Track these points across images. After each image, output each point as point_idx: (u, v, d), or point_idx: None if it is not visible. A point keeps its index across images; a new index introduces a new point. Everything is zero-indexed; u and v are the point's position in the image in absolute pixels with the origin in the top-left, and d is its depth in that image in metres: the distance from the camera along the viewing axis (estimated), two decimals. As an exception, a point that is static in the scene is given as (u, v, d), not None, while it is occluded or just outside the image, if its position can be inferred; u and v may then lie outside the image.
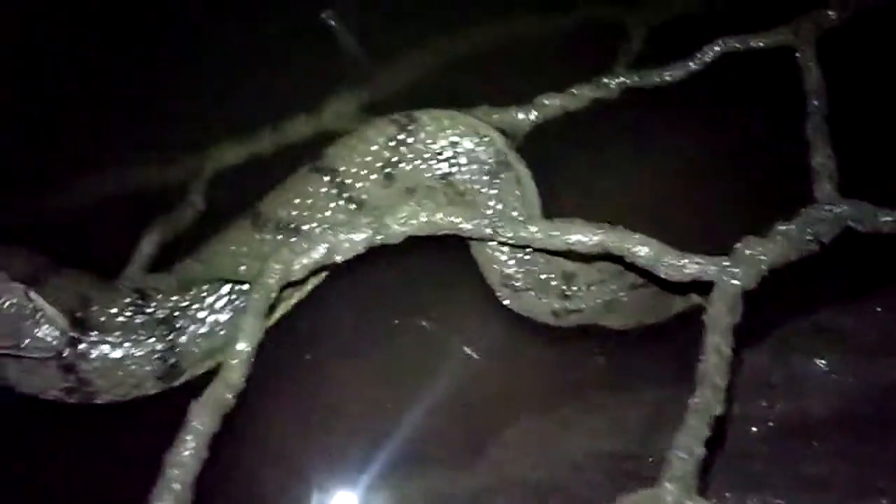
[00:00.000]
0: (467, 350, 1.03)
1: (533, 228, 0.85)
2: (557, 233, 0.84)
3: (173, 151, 1.14)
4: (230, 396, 0.75)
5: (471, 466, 0.98)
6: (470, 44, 1.28)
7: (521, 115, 1.06)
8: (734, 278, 0.79)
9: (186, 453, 0.69)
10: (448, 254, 0.95)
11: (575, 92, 1.08)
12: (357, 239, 0.86)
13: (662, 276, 0.81)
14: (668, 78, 1.10)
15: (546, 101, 1.07)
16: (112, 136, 1.16)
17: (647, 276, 0.85)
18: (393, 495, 0.95)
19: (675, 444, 0.69)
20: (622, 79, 1.10)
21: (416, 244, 0.88)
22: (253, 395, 0.93)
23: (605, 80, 1.10)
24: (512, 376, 1.01)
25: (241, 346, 0.78)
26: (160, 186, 1.14)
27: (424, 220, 0.87)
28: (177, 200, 1.09)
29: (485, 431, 0.99)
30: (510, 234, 0.86)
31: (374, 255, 0.88)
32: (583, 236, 0.83)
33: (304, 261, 0.85)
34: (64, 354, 0.85)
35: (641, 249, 0.80)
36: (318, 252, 0.86)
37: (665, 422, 1.00)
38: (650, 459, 0.95)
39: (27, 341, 0.82)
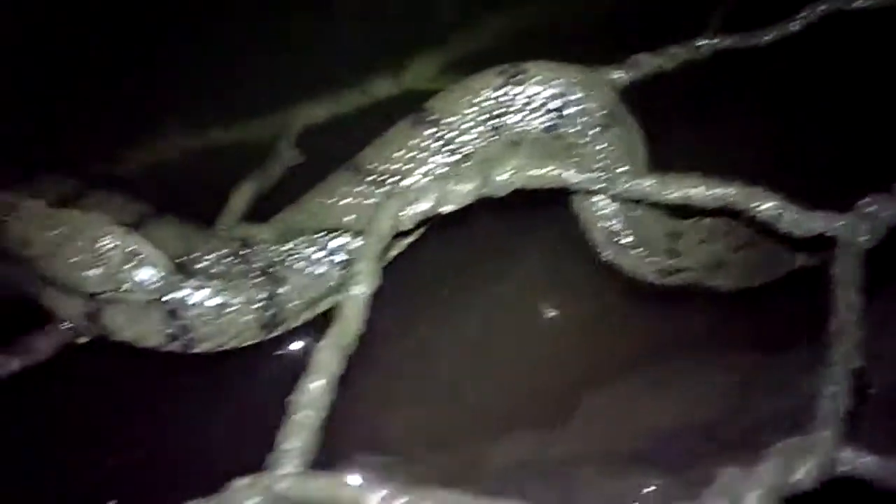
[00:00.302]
0: (554, 311, 1.01)
1: (648, 182, 0.83)
2: (675, 186, 0.82)
3: (262, 108, 1.13)
4: (351, 339, 0.73)
5: (559, 432, 0.96)
6: (550, 6, 1.26)
7: (616, 74, 1.03)
8: (860, 234, 0.77)
9: (314, 395, 0.68)
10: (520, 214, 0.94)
11: (671, 51, 1.06)
12: (465, 190, 0.84)
13: (784, 231, 0.79)
14: (765, 39, 1.08)
15: (641, 60, 1.05)
16: (201, 91, 1.15)
17: (764, 232, 0.83)
18: (480, 461, 0.93)
19: (822, 393, 0.67)
20: (717, 40, 1.07)
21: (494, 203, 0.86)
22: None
23: (700, 42, 1.07)
24: (602, 339, 1.00)
25: (359, 289, 0.76)
26: (250, 141, 1.13)
27: (534, 173, 0.85)
28: (266, 155, 1.08)
29: (573, 397, 0.97)
30: (624, 188, 0.84)
31: (464, 213, 0.87)
32: (703, 190, 0.81)
33: (413, 210, 0.84)
34: (166, 298, 0.84)
35: (766, 204, 0.78)
36: (427, 202, 0.84)
37: (757, 388, 0.99)
38: (741, 426, 0.94)
39: (129, 283, 0.81)
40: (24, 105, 1.11)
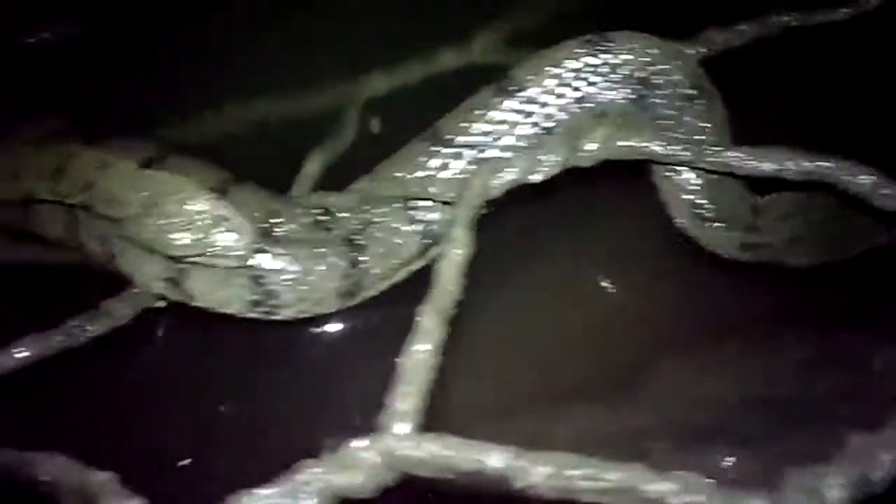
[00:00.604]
0: (622, 284, 1.01)
1: (738, 154, 0.83)
2: (766, 159, 0.82)
3: (327, 78, 1.12)
4: (450, 305, 0.73)
5: (629, 406, 0.96)
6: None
7: (686, 50, 1.03)
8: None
9: (421, 359, 0.68)
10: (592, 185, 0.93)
11: (741, 28, 1.05)
12: (553, 160, 0.84)
13: (877, 205, 0.79)
14: (833, 18, 1.08)
15: (711, 36, 1.04)
16: (268, 62, 1.14)
17: (843, 208, 0.83)
18: (547, 434, 0.93)
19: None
20: (786, 17, 1.07)
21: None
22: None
23: (770, 19, 1.07)
24: (672, 312, 0.99)
25: (455, 255, 0.76)
26: (317, 111, 1.12)
27: (621, 144, 0.85)
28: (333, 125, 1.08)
29: (643, 370, 0.97)
30: (712, 161, 0.84)
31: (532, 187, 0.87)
32: (793, 163, 0.80)
33: (501, 180, 0.83)
34: (252, 264, 0.83)
35: (861, 177, 0.78)
36: (515, 172, 0.84)
37: (826, 365, 0.99)
38: (812, 401, 0.94)
39: (216, 248, 0.80)
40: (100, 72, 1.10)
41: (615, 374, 0.96)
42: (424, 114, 1.11)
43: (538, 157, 0.84)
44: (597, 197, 0.97)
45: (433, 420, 0.89)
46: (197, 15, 1.16)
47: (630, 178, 0.92)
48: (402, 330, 0.69)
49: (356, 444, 0.62)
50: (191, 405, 0.88)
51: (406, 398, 0.65)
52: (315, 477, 0.61)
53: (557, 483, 0.58)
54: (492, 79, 1.14)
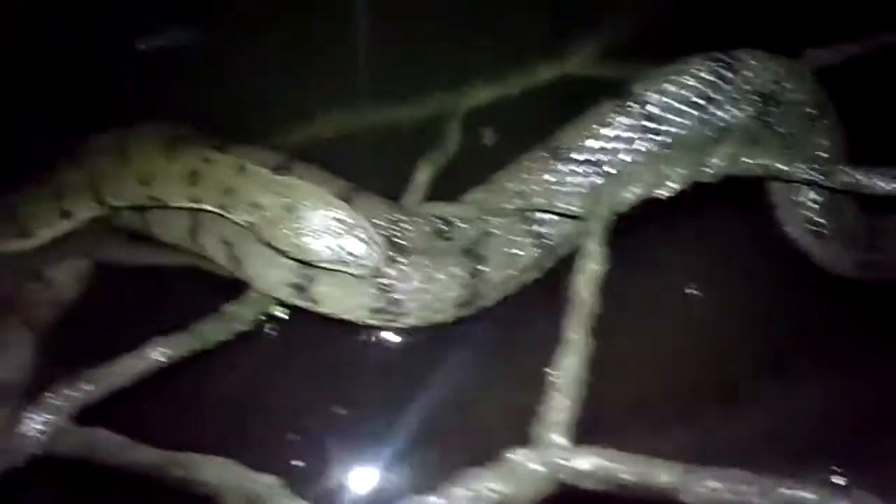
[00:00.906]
0: (731, 300, 1.01)
1: (856, 172, 0.84)
2: (884, 177, 0.82)
3: (430, 88, 1.14)
4: (592, 317, 0.74)
5: (730, 419, 0.96)
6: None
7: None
8: None
9: (571, 371, 0.68)
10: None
11: (844, 46, 1.05)
12: (678, 176, 0.85)
13: None
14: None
15: (816, 55, 1.04)
16: (369, 71, 1.15)
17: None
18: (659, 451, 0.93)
19: None
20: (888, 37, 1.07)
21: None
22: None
23: (873, 37, 1.07)
24: (785, 328, 0.99)
25: (592, 268, 0.77)
26: (418, 121, 1.13)
27: (746, 160, 0.86)
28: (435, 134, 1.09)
29: (743, 384, 0.97)
30: (831, 179, 0.84)
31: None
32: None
33: (629, 194, 0.84)
34: (380, 273, 0.84)
35: None
36: (642, 186, 0.85)
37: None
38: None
39: (348, 256, 0.81)
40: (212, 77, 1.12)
41: (724, 388, 0.97)
42: (523, 125, 1.14)
43: (664, 172, 0.85)
44: (711, 212, 0.97)
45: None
46: (307, 21, 1.18)
47: (746, 193, 0.93)
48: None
49: (517, 454, 0.63)
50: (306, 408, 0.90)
51: (560, 410, 0.66)
52: (480, 486, 0.61)
53: (726, 497, 0.59)
54: (587, 91, 1.16)
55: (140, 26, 1.15)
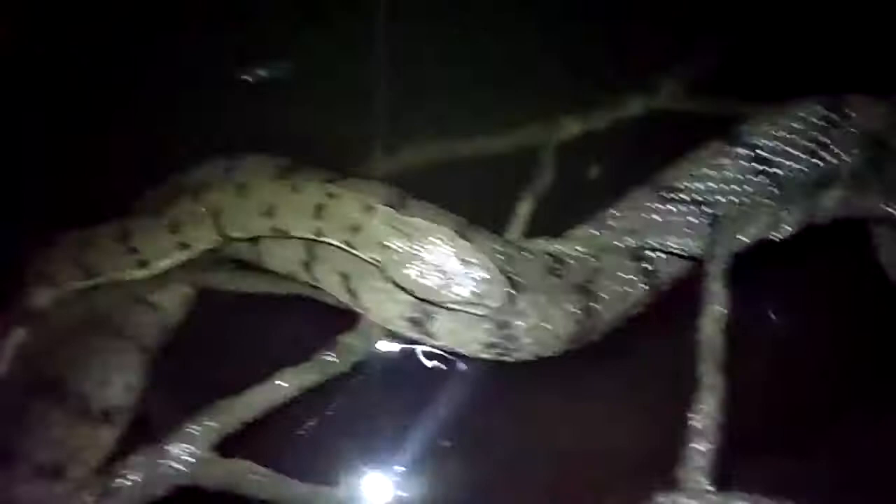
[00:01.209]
0: (816, 331, 1.01)
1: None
2: None
3: (518, 122, 1.16)
4: (721, 357, 0.75)
5: (815, 454, 0.97)
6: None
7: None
8: None
9: (710, 412, 0.70)
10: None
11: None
12: (792, 218, 0.86)
13: None
14: None
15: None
16: (457, 103, 1.17)
17: None
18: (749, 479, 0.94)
19: None
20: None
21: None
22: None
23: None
24: (866, 361, 1.00)
25: (716, 309, 0.78)
26: (506, 154, 1.15)
27: (857, 203, 0.87)
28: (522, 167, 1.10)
29: (837, 419, 0.98)
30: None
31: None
32: None
33: (746, 236, 0.86)
34: (503, 312, 0.85)
35: None
36: (759, 228, 0.86)
37: None
38: None
39: (474, 298, 0.82)
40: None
41: (810, 421, 0.97)
42: (613, 159, 1.15)
43: (779, 214, 0.86)
44: (814, 251, 0.98)
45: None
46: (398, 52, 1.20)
47: (848, 233, 0.94)
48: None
49: (665, 499, 0.64)
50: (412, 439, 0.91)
51: (702, 455, 0.67)
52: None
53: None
54: (675, 125, 1.18)
55: (241, 57, 1.18)
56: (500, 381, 0.93)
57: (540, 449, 0.87)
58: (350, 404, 0.92)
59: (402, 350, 0.94)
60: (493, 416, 0.92)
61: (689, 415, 0.69)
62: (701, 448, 0.67)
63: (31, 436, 0.90)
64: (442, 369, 0.94)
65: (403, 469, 0.89)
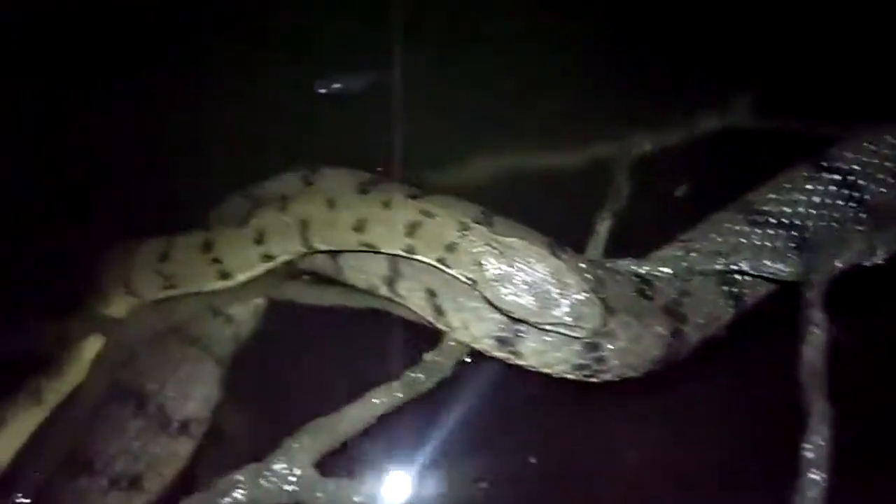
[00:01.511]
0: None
1: None
2: None
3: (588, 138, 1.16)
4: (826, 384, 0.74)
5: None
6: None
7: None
8: None
9: (822, 444, 0.69)
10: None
11: None
12: (886, 243, 0.86)
13: None
14: None
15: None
16: (526, 116, 1.17)
17: None
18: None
19: None
20: None
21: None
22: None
23: None
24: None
25: (817, 335, 0.78)
26: (577, 170, 1.15)
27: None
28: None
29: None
30: None
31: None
32: None
33: (840, 261, 0.85)
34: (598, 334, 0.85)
35: None
36: (851, 254, 0.85)
37: None
38: None
39: (569, 320, 0.81)
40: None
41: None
42: (686, 177, 1.14)
43: (872, 239, 0.85)
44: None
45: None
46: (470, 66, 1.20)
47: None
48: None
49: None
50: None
51: (813, 487, 0.67)
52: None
53: None
54: (748, 144, 1.17)
55: (318, 70, 1.18)
56: (583, 399, 0.93)
57: (615, 471, 0.87)
58: (429, 417, 0.92)
59: (482, 367, 0.94)
60: (575, 434, 0.91)
61: (801, 444, 0.69)
62: (816, 478, 0.66)
63: (108, 445, 0.89)
64: (521, 387, 0.93)
65: (486, 485, 0.88)
